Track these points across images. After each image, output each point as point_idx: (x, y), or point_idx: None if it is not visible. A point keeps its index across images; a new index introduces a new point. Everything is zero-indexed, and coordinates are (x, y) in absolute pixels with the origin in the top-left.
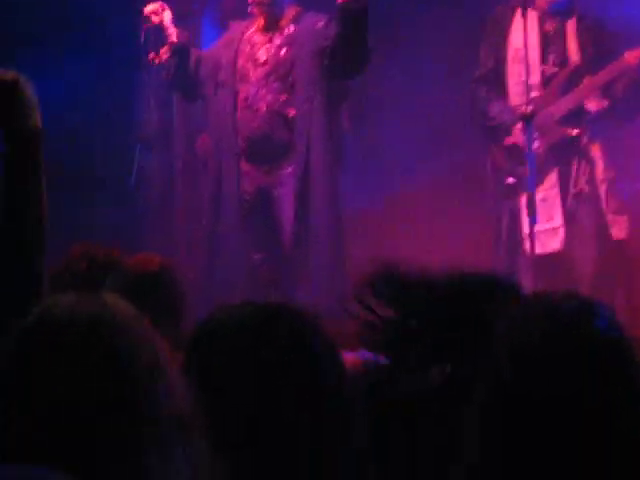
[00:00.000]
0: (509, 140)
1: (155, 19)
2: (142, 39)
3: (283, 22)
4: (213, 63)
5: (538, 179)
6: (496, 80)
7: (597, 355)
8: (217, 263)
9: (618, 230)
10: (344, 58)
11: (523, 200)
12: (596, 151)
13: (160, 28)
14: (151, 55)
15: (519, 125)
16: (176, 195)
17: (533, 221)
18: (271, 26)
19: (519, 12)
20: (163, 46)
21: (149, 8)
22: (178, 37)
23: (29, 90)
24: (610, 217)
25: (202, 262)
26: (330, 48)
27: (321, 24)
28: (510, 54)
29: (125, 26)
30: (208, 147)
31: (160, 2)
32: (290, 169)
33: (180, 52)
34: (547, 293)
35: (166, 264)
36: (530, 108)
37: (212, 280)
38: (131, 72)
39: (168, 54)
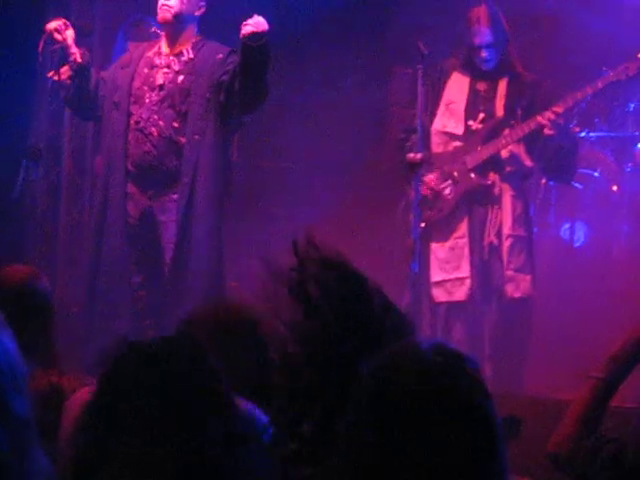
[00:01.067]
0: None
1: (58, 37)
2: (40, 56)
3: (184, 47)
4: (111, 84)
5: (447, 228)
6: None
7: (455, 413)
8: (100, 284)
9: (514, 289)
10: (241, 95)
11: (433, 245)
12: (507, 205)
13: (62, 46)
14: (51, 73)
15: (432, 175)
16: (61, 212)
17: (414, 268)
18: (172, 47)
19: (454, 74)
20: (63, 64)
21: (52, 25)
22: (80, 57)
23: None
24: (509, 274)
25: (84, 283)
26: (227, 83)
27: (221, 56)
28: (441, 108)
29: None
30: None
31: (63, 20)
32: (175, 196)
33: (81, 72)
34: (416, 344)
35: (32, 275)
36: (419, 156)
37: (94, 299)
38: (23, 82)
39: (69, 74)
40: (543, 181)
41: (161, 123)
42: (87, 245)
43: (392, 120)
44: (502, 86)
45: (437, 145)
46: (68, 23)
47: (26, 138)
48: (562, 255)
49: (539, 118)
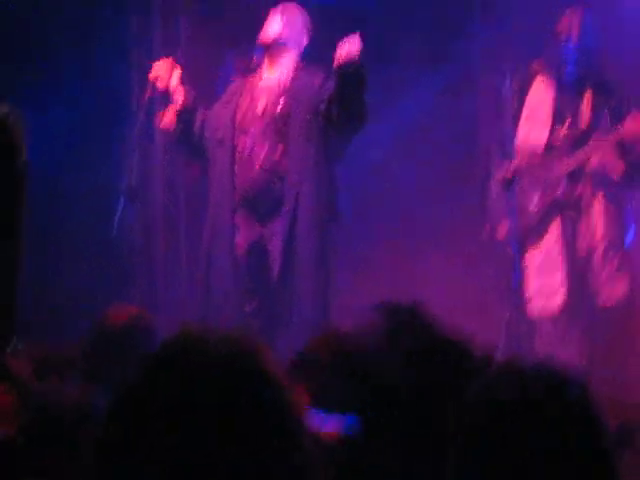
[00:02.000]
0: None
1: (160, 85)
2: (145, 101)
3: (284, 73)
4: (215, 122)
5: (539, 236)
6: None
7: (563, 429)
8: (210, 316)
9: (608, 295)
10: (340, 119)
11: (526, 256)
12: (599, 210)
13: (165, 92)
14: (157, 120)
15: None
16: (157, 246)
17: (515, 284)
18: (272, 73)
19: (538, 78)
20: (166, 108)
21: (157, 70)
22: (184, 101)
23: (19, 126)
24: (602, 281)
25: (195, 314)
26: (326, 109)
27: (318, 81)
28: (524, 114)
29: (113, 76)
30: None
31: (170, 60)
32: (279, 223)
33: (185, 117)
34: (518, 363)
35: (139, 315)
36: (510, 173)
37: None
38: (115, 122)
39: (173, 119)
40: None
41: (265, 151)
42: (197, 279)
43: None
44: (587, 96)
45: (524, 154)
46: (174, 63)
47: (122, 177)
48: None
49: (630, 125)
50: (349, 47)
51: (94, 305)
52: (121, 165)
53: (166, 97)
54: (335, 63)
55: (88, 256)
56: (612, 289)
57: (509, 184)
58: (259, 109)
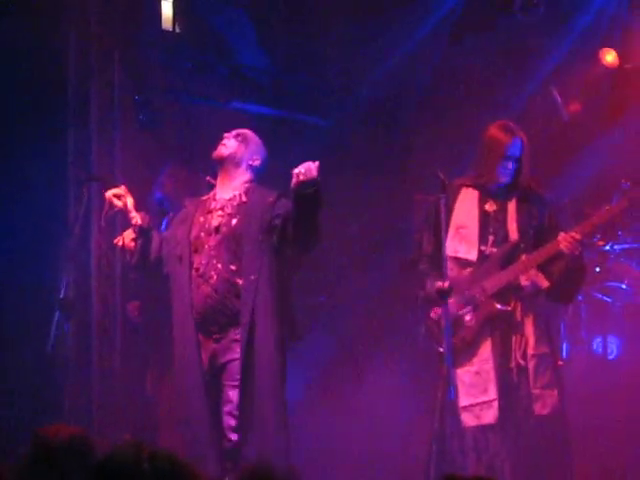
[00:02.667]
0: (436, 312)
1: (118, 203)
2: (103, 221)
3: (236, 191)
4: (173, 241)
5: (471, 352)
6: (435, 258)
7: None
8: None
9: (542, 405)
10: (295, 238)
11: (459, 370)
12: (529, 326)
13: (122, 212)
14: (116, 240)
15: (450, 300)
16: (93, 359)
17: (450, 395)
18: (225, 191)
19: (463, 191)
20: (124, 229)
21: (113, 192)
22: (142, 220)
23: None
24: (536, 392)
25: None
26: (280, 227)
27: (271, 200)
28: (451, 232)
29: (50, 190)
30: (137, 312)
31: (123, 186)
32: (237, 337)
33: (143, 235)
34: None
35: (79, 435)
36: (447, 284)
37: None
38: (56, 236)
39: (132, 237)
40: None
41: (219, 266)
42: (172, 396)
43: (415, 247)
44: (512, 207)
45: (450, 270)
46: (126, 189)
47: (57, 290)
48: (596, 369)
49: (560, 245)
50: (307, 168)
51: (31, 417)
52: (56, 279)
53: (111, 217)
54: (292, 182)
55: (24, 368)
56: (544, 402)
57: (444, 296)
58: (212, 225)
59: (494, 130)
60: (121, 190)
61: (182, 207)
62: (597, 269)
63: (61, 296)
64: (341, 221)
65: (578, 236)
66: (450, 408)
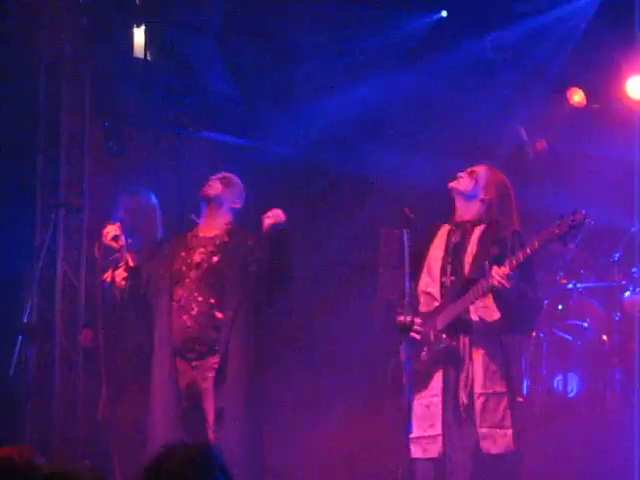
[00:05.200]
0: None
1: (114, 245)
2: (99, 260)
3: (218, 231)
4: (155, 274)
5: (424, 385)
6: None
7: None
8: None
9: (491, 444)
10: (269, 281)
11: (413, 402)
12: (478, 362)
13: (115, 250)
14: (106, 275)
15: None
16: (56, 387)
17: (408, 429)
18: (207, 230)
19: (441, 229)
20: (116, 268)
21: (109, 230)
22: (132, 261)
23: None
24: (483, 431)
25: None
26: (256, 271)
27: (251, 243)
28: (425, 267)
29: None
30: (90, 340)
31: (118, 225)
32: (212, 365)
33: (134, 274)
34: None
35: (28, 455)
36: (409, 319)
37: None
38: (18, 262)
39: (123, 276)
40: (533, 334)
41: (200, 299)
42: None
43: (381, 281)
44: (474, 238)
45: (423, 305)
46: (120, 228)
47: (20, 315)
48: (556, 407)
49: (492, 280)
50: (275, 213)
51: None
52: (20, 303)
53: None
54: (264, 226)
55: None
56: (494, 441)
57: (405, 330)
58: (194, 261)
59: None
60: (117, 229)
61: (143, 239)
62: (560, 307)
63: (24, 320)
64: (309, 252)
65: (507, 270)
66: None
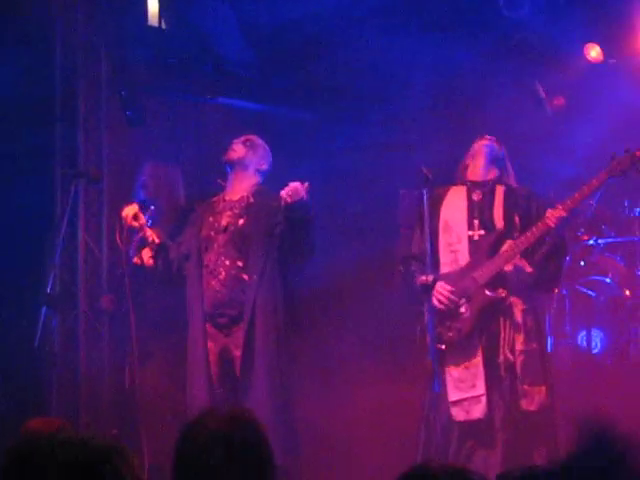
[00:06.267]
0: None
1: (135, 224)
2: (120, 242)
3: (244, 193)
4: (186, 240)
5: (463, 346)
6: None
7: None
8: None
9: (529, 401)
10: (290, 247)
11: (448, 364)
12: (518, 315)
13: (137, 230)
14: (135, 259)
15: (447, 290)
16: (78, 354)
17: (435, 388)
18: (234, 193)
19: (451, 189)
20: (142, 247)
21: (128, 212)
22: (158, 237)
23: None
24: (524, 388)
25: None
26: (279, 237)
27: (276, 204)
28: (441, 227)
29: (37, 186)
30: (111, 303)
31: (136, 204)
32: (240, 332)
33: (161, 251)
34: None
35: (61, 427)
36: (430, 278)
37: None
38: (43, 232)
39: (150, 255)
40: (556, 291)
41: (227, 263)
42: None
43: (400, 240)
44: (498, 195)
45: (445, 264)
46: (137, 209)
47: (44, 285)
48: (580, 363)
49: (548, 221)
50: (293, 190)
51: (18, 413)
52: (44, 275)
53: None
54: (282, 202)
55: (9, 365)
56: (532, 399)
57: (427, 290)
58: (221, 225)
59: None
60: (135, 208)
61: (164, 205)
62: (581, 263)
63: (48, 291)
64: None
65: (564, 212)
66: (435, 400)
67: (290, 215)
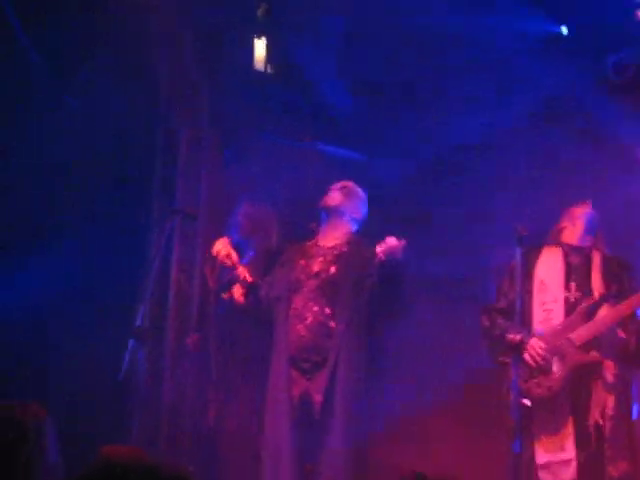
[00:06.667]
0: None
1: (228, 262)
2: (212, 284)
3: (338, 241)
4: (276, 281)
5: (553, 406)
6: (513, 312)
7: None
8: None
9: (614, 468)
10: (380, 304)
11: (536, 426)
12: (609, 377)
13: (229, 267)
14: (225, 295)
15: (541, 349)
16: (164, 392)
17: (515, 449)
18: (327, 240)
19: (545, 249)
20: (232, 284)
21: (221, 250)
22: (250, 275)
23: None
24: (611, 454)
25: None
26: (370, 287)
27: (368, 255)
28: (536, 286)
29: (134, 221)
30: (197, 344)
31: (225, 239)
32: (323, 377)
33: (254, 290)
34: None
35: (136, 456)
36: (518, 337)
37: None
38: (136, 267)
39: (241, 293)
40: None
41: (315, 309)
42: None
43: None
44: (596, 259)
45: (538, 323)
46: (228, 244)
47: (133, 319)
48: None
49: (630, 304)
50: (390, 247)
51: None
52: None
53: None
54: (378, 257)
55: (94, 397)
56: (616, 466)
57: (515, 348)
58: (313, 271)
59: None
60: (226, 244)
61: (257, 244)
62: None
63: (137, 324)
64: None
65: None
66: (519, 462)
67: (383, 272)
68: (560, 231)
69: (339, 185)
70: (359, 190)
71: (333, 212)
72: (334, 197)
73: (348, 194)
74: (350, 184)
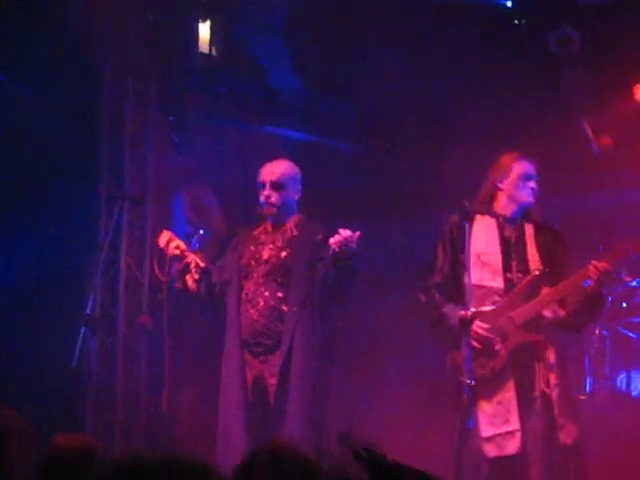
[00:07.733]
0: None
1: (176, 252)
2: (162, 275)
3: (287, 226)
4: (226, 265)
5: (496, 382)
6: (449, 285)
7: None
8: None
9: (566, 435)
10: (333, 293)
11: (481, 401)
12: (551, 356)
13: (179, 258)
14: (177, 284)
15: (482, 329)
16: (117, 380)
17: (469, 424)
18: (276, 228)
19: (477, 219)
20: (184, 273)
21: (166, 241)
22: (202, 261)
23: None
24: (561, 421)
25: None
26: (322, 273)
27: (319, 238)
28: (472, 259)
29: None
30: (148, 325)
31: (168, 232)
32: (277, 360)
33: (205, 275)
34: None
35: (88, 445)
36: (469, 313)
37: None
38: (85, 253)
39: (194, 279)
40: (597, 332)
41: (267, 294)
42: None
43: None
44: (529, 235)
45: (476, 299)
46: (173, 235)
47: (84, 307)
48: (619, 405)
49: (590, 274)
50: (343, 239)
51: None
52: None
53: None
54: (331, 251)
55: (47, 385)
56: (568, 432)
57: (465, 325)
58: (263, 257)
59: (507, 157)
60: (170, 235)
61: (204, 231)
62: (623, 305)
63: (88, 312)
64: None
65: (610, 267)
66: (467, 436)
67: (337, 264)
68: (493, 197)
69: (268, 184)
70: (291, 170)
71: (279, 212)
72: (273, 201)
73: (283, 187)
74: (280, 174)
